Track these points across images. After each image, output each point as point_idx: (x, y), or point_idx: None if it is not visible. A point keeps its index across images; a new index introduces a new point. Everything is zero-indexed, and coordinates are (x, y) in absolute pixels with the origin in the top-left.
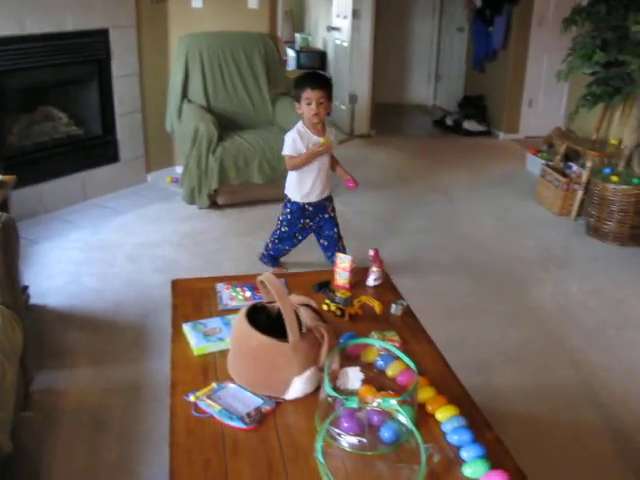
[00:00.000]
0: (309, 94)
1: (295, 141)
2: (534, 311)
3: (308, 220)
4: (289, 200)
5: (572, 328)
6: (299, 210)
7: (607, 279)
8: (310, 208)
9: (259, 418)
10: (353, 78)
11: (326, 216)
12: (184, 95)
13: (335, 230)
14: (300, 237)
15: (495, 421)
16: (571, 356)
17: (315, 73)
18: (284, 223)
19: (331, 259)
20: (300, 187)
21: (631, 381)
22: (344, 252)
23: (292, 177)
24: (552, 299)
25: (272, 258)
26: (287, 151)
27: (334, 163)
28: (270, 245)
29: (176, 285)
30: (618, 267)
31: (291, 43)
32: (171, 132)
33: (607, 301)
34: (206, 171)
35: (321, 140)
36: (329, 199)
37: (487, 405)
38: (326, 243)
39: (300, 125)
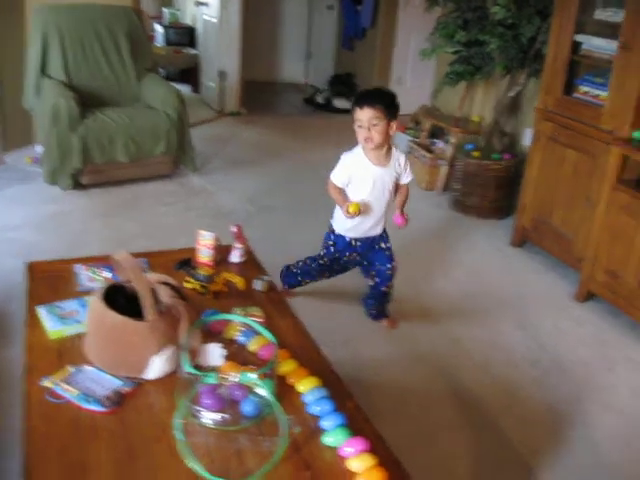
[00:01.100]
0: (358, 114)
1: (346, 167)
2: (400, 282)
3: (355, 254)
4: (332, 231)
5: (437, 299)
6: (345, 245)
7: (469, 251)
8: (358, 243)
9: (118, 400)
10: (222, 55)
11: (377, 247)
12: (43, 69)
13: (390, 265)
14: (332, 274)
15: (362, 391)
16: (435, 324)
17: (370, 91)
18: (326, 256)
19: (372, 312)
20: (344, 220)
21: (491, 347)
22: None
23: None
24: (417, 271)
25: (291, 282)
26: (333, 176)
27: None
28: (300, 269)
29: (32, 268)
30: (480, 239)
31: (159, 18)
32: (29, 109)
33: (469, 272)
34: (68, 150)
35: (350, 208)
36: (382, 237)
37: (354, 376)
38: (378, 279)
39: (359, 149)
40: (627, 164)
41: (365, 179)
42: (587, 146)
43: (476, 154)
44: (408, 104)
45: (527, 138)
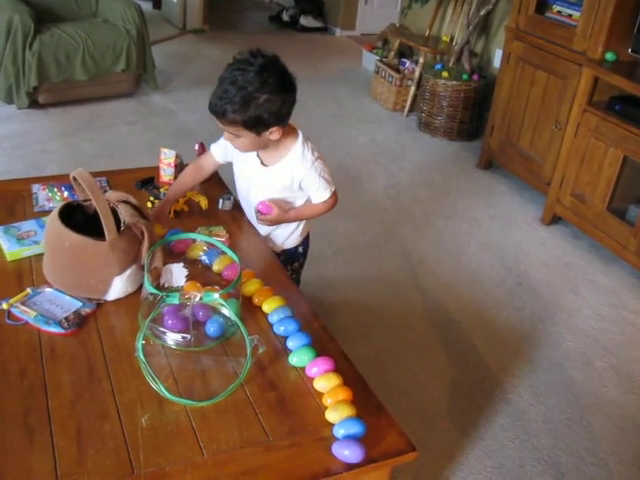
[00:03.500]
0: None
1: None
2: (367, 204)
3: None
4: None
5: (403, 219)
6: None
7: (437, 172)
8: None
9: (78, 321)
10: None
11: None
12: None
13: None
14: None
15: (327, 310)
16: (402, 246)
17: (225, 87)
18: None
19: None
20: None
21: (457, 268)
22: None
23: None
24: (384, 192)
25: None
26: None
27: None
28: None
29: None
30: (447, 161)
31: None
32: None
33: (435, 193)
34: (23, 67)
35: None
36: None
37: (319, 296)
38: None
39: None
40: (598, 86)
41: (241, 167)
42: (558, 67)
43: (445, 74)
44: (376, 24)
45: (497, 59)
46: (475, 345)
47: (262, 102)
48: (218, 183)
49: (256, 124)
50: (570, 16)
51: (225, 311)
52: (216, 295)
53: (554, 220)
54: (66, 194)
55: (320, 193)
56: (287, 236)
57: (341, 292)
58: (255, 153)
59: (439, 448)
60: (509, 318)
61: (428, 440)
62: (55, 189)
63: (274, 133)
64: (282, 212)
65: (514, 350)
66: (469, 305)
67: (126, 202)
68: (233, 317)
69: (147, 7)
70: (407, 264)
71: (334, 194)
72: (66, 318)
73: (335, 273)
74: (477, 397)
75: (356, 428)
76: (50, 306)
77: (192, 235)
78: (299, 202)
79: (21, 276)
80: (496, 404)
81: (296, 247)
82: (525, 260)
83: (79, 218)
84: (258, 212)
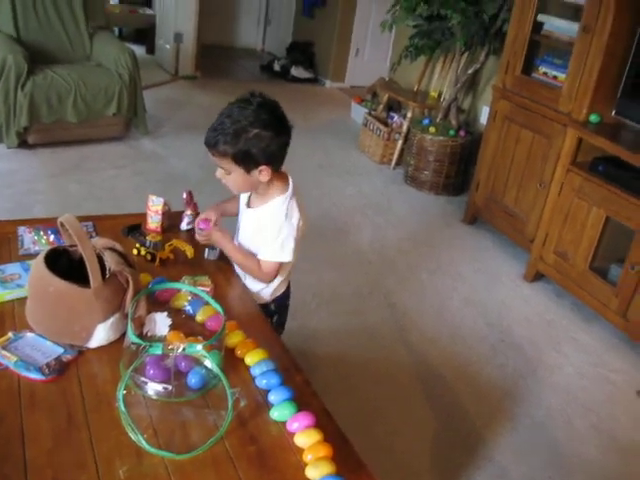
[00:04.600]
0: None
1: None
2: (351, 256)
3: None
4: None
5: (388, 272)
6: None
7: (422, 226)
8: None
9: (59, 368)
10: (179, 16)
11: None
12: None
13: None
14: None
15: (310, 363)
16: (386, 298)
17: (222, 120)
18: None
19: None
20: None
21: (440, 322)
22: None
23: None
24: (369, 244)
25: None
26: None
27: None
28: None
29: None
30: (432, 215)
31: None
32: None
33: (420, 247)
34: (14, 107)
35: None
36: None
37: (302, 347)
38: None
39: None
40: (582, 147)
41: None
42: (543, 127)
43: (432, 129)
44: (365, 76)
45: (484, 116)
46: (458, 400)
47: (252, 136)
48: None
49: (245, 159)
50: (555, 77)
51: (208, 363)
52: (199, 346)
53: (537, 277)
54: (52, 238)
55: (267, 251)
56: (257, 290)
57: (324, 344)
58: (247, 195)
59: None
60: (492, 374)
61: None
62: (41, 232)
63: (263, 173)
64: (220, 235)
65: (496, 406)
66: (452, 359)
67: (112, 249)
68: (215, 369)
69: (140, 52)
70: (391, 317)
71: (276, 265)
72: (47, 364)
73: (319, 324)
74: (459, 453)
75: None
76: (31, 351)
77: (177, 285)
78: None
79: (3, 319)
80: (478, 461)
81: (267, 304)
82: (508, 316)
83: (64, 263)
84: (199, 228)
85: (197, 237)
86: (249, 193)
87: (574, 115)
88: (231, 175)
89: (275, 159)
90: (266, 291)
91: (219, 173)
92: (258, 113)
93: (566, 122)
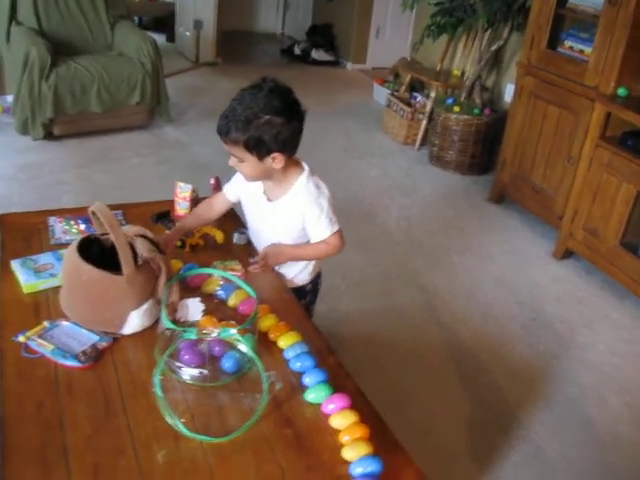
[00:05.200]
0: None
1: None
2: (379, 237)
3: None
4: None
5: (416, 253)
6: None
7: (448, 206)
8: None
9: (95, 355)
10: (198, 3)
11: None
12: (12, 16)
13: None
14: None
15: (340, 345)
16: (415, 279)
17: (233, 107)
18: None
19: None
20: None
21: (471, 302)
22: None
23: None
24: (397, 225)
25: None
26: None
27: None
28: None
29: (4, 220)
30: (458, 195)
31: None
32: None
33: (448, 227)
34: (39, 99)
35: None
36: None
37: (332, 330)
38: None
39: None
40: (610, 121)
41: (250, 204)
42: (570, 102)
43: (456, 109)
44: (386, 57)
45: (508, 93)
46: (491, 380)
47: (263, 123)
48: (233, 217)
49: (256, 146)
50: (582, 51)
51: (242, 347)
52: (233, 331)
53: (567, 255)
54: (82, 227)
55: (319, 231)
56: (296, 274)
57: (354, 325)
58: (262, 190)
59: None
60: (524, 353)
61: (445, 478)
62: (72, 222)
63: (276, 160)
64: (276, 251)
65: (529, 385)
66: (484, 339)
67: (143, 236)
68: (250, 353)
69: (161, 40)
70: (421, 297)
71: (338, 235)
72: (83, 352)
73: (348, 307)
74: (493, 433)
75: (373, 466)
76: (67, 339)
77: (208, 270)
78: None
79: (38, 309)
80: (512, 440)
81: (304, 285)
82: (539, 295)
83: (96, 251)
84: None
85: (253, 270)
86: (262, 188)
87: (601, 89)
88: (244, 163)
89: (288, 146)
90: (305, 272)
91: (232, 161)
92: (269, 99)
93: (593, 96)
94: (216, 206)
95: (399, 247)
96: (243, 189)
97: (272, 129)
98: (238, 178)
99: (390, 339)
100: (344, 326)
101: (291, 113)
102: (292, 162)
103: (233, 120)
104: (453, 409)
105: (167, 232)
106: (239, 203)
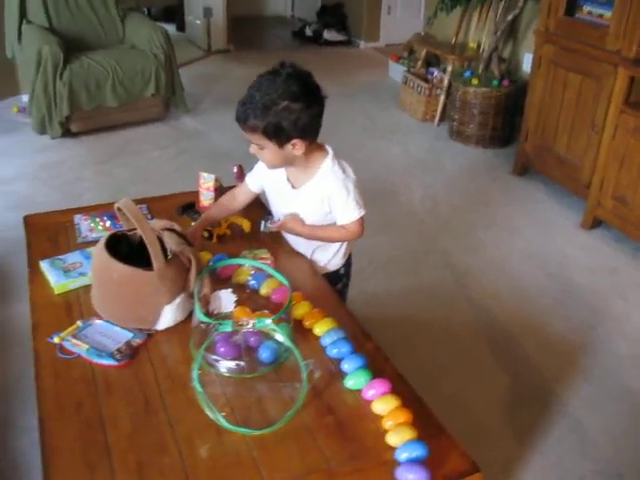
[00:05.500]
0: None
1: (258, 166)
2: (404, 217)
3: None
4: None
5: (442, 230)
6: None
7: (472, 181)
8: None
9: (131, 353)
10: None
11: None
12: (23, 15)
13: None
14: None
15: (371, 327)
16: (443, 257)
17: (251, 94)
18: None
19: None
20: None
21: (501, 278)
22: None
23: None
24: (421, 204)
25: None
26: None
27: None
28: None
29: (29, 221)
30: (481, 169)
31: None
32: (12, 58)
33: (472, 203)
34: (55, 97)
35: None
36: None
37: (362, 312)
38: None
39: None
40: (634, 86)
41: (273, 193)
42: (592, 69)
43: (474, 81)
44: (399, 34)
45: (526, 63)
46: (525, 354)
47: (281, 109)
48: (259, 205)
49: (276, 132)
50: (601, 16)
51: (279, 336)
52: (268, 321)
53: (595, 224)
54: (108, 223)
55: (348, 213)
56: (329, 259)
57: (384, 307)
58: (285, 177)
59: (497, 464)
60: (558, 326)
61: (486, 455)
62: (97, 219)
63: (297, 147)
64: (292, 222)
65: (565, 359)
66: (516, 314)
67: (171, 230)
68: (287, 342)
69: (171, 30)
70: (450, 275)
71: (360, 221)
72: (118, 350)
73: (377, 288)
74: (532, 409)
75: (419, 451)
76: (101, 338)
77: (238, 260)
78: None
79: (70, 308)
80: (552, 416)
81: (337, 270)
82: (569, 267)
83: (124, 248)
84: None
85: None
86: (285, 175)
87: (624, 53)
88: (264, 150)
89: (308, 131)
90: (337, 257)
91: (253, 149)
92: (287, 84)
93: (616, 61)
94: (239, 197)
95: (424, 225)
96: (266, 177)
97: (291, 115)
98: (260, 167)
99: (420, 318)
100: (373, 308)
101: (310, 98)
102: (315, 146)
103: (251, 107)
104: (488, 385)
105: (193, 224)
106: (263, 192)
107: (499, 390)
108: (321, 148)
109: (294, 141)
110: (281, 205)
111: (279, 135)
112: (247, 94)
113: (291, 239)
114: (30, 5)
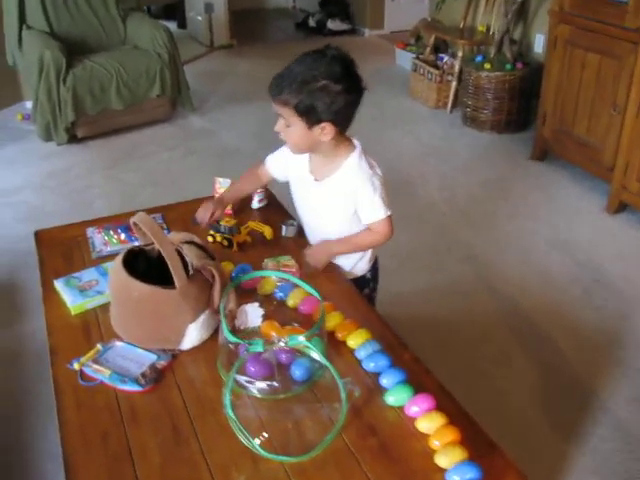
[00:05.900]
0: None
1: (284, 156)
2: (423, 209)
3: None
4: None
5: (463, 222)
6: None
7: (489, 169)
8: None
9: (156, 376)
10: None
11: None
12: (22, 21)
13: None
14: None
15: (400, 329)
16: (466, 250)
17: (293, 66)
18: None
19: None
20: None
21: (527, 269)
22: None
23: None
24: (439, 194)
25: None
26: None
27: None
28: None
29: (41, 236)
30: (498, 156)
31: None
32: (13, 64)
33: (492, 191)
34: (59, 103)
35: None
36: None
37: (389, 312)
38: None
39: None
40: None
41: (296, 185)
42: (611, 47)
43: (487, 66)
44: (404, 20)
45: (538, 44)
46: (559, 349)
47: (319, 87)
48: (278, 209)
49: (308, 111)
50: None
51: (314, 355)
52: (301, 338)
53: (620, 208)
54: (123, 236)
55: (374, 211)
56: (354, 263)
57: (409, 306)
58: (308, 169)
59: (542, 466)
60: (590, 317)
61: (530, 458)
62: (111, 231)
63: (325, 131)
64: (318, 252)
65: (601, 352)
66: (546, 307)
67: (190, 242)
68: (323, 361)
69: (172, 27)
70: (474, 269)
71: (388, 221)
72: (142, 374)
73: (401, 287)
74: (570, 407)
75: (472, 473)
76: (124, 362)
77: (263, 273)
78: None
79: (88, 330)
80: (592, 413)
81: (364, 274)
82: (597, 254)
83: (142, 263)
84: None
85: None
86: (308, 167)
87: None
88: (291, 128)
89: (340, 118)
90: (363, 261)
91: (279, 126)
92: (331, 65)
93: (636, 39)
94: (262, 177)
95: (445, 217)
96: (289, 168)
97: (327, 96)
98: (284, 155)
99: (448, 317)
100: (398, 308)
101: (350, 83)
102: (343, 138)
103: (288, 80)
104: (524, 384)
105: (217, 237)
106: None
107: (536, 389)
108: (349, 141)
109: (324, 124)
110: (302, 198)
111: (310, 115)
112: (286, 67)
113: (314, 243)
114: (29, 10)
